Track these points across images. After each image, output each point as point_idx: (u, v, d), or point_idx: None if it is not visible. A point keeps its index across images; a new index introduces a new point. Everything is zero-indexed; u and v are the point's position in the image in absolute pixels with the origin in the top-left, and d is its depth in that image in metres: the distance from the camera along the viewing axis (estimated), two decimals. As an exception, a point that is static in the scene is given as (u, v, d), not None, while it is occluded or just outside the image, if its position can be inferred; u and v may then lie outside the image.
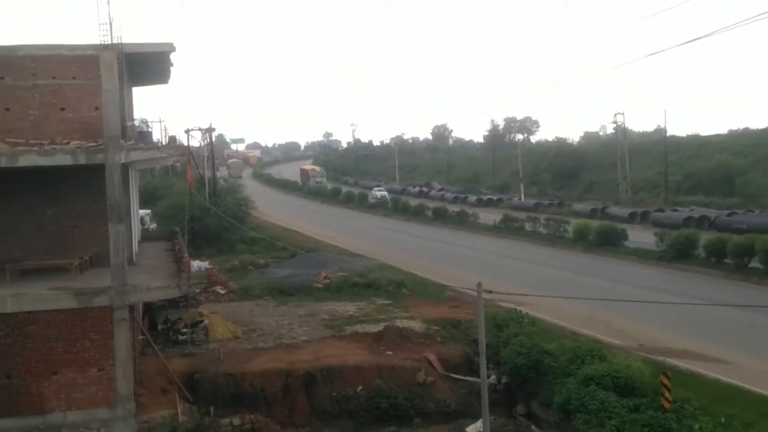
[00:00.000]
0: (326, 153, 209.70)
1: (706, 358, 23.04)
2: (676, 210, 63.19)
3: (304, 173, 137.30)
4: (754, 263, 36.69)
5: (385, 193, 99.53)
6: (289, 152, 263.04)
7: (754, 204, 64.56)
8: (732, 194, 70.57)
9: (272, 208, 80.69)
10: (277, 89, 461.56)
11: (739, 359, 22.75)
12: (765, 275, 35.36)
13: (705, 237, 41.52)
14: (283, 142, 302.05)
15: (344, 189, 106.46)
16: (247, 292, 34.72)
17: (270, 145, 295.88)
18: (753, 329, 26.55)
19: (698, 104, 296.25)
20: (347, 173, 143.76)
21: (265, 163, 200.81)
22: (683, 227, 48.91)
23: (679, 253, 41.01)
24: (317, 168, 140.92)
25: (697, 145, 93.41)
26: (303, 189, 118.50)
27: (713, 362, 22.59)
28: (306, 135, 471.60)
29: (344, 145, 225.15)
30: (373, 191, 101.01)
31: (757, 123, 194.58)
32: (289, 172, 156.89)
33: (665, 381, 18.18)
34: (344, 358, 23.31)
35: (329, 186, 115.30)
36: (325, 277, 36.74)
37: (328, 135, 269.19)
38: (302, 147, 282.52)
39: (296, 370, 22.33)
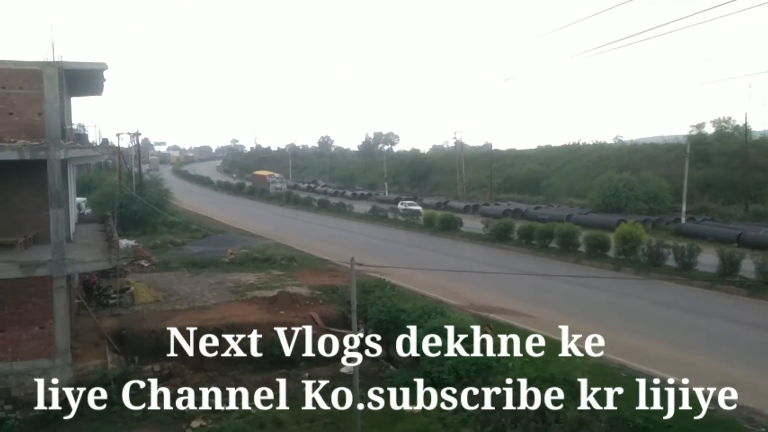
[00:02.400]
0: (233, 155, 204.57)
1: (518, 314, 24.05)
2: (498, 204, 65.78)
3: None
4: (553, 244, 38.69)
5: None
6: (203, 154, 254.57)
7: (553, 201, 68.30)
8: (538, 193, 74.15)
9: (188, 198, 78.01)
10: (193, 101, 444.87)
11: (540, 314, 23.95)
12: (561, 253, 37.37)
13: (518, 224, 43.23)
14: (198, 145, 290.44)
15: (248, 184, 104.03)
16: (167, 265, 33.54)
17: (187, 147, 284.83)
18: (551, 292, 28.02)
19: (515, 126, 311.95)
20: (250, 171, 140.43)
21: (183, 162, 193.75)
22: (503, 217, 50.98)
23: (499, 236, 42.55)
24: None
25: (513, 156, 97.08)
26: (213, 183, 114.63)
27: (523, 316, 23.63)
28: (217, 140, 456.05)
29: (248, 149, 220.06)
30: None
31: (556, 141, 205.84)
32: (203, 169, 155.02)
33: (488, 330, 19.03)
34: (245, 316, 22.88)
35: (234, 182, 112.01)
36: (231, 253, 36.04)
37: (235, 140, 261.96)
38: (214, 150, 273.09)
39: (206, 326, 21.70)
